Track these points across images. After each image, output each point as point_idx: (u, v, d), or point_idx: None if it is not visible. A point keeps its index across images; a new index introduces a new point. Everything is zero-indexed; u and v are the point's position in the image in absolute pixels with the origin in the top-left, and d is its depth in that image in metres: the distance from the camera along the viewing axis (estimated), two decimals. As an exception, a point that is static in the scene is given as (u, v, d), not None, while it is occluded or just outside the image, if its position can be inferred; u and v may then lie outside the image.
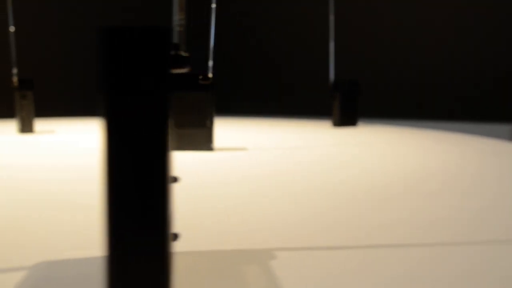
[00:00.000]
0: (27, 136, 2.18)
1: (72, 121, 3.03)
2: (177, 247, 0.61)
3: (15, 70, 2.19)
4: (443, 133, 2.32)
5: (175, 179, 0.65)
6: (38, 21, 3.33)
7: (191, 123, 1.63)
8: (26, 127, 2.25)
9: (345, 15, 3.18)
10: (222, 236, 0.72)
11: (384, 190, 1.04)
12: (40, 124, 2.72)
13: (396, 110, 3.36)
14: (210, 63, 1.63)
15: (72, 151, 1.81)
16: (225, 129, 2.53)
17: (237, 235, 0.73)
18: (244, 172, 1.30)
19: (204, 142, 1.63)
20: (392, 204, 0.94)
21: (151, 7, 3.27)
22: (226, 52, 3.86)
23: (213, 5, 1.61)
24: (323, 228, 0.77)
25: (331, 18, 2.64)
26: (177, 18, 0.60)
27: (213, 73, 1.62)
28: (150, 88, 0.46)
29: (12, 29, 2.14)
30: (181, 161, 1.44)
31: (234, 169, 1.35)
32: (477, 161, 1.53)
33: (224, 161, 1.47)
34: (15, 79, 2.18)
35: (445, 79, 3.15)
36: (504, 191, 1.07)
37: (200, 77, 1.60)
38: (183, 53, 0.57)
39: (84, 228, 0.76)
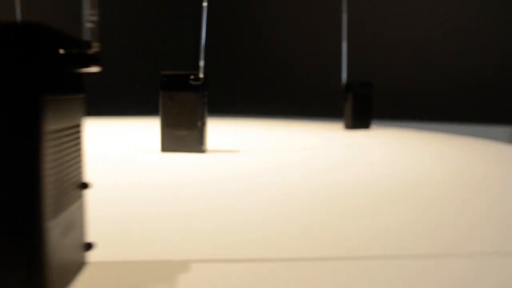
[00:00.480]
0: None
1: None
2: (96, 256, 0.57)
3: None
4: (456, 136, 2.21)
5: (85, 185, 0.62)
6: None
7: (182, 124, 1.60)
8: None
9: (357, 14, 3.09)
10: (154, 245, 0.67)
11: (384, 196, 0.97)
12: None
13: (410, 112, 3.26)
14: (201, 63, 1.59)
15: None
16: (228, 130, 2.51)
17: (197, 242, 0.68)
18: (221, 175, 1.25)
19: (195, 144, 1.60)
20: (390, 209, 0.87)
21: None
22: (236, 52, 3.85)
23: (204, 4, 1.57)
24: (310, 240, 0.71)
25: (344, 17, 2.56)
26: (88, 13, 0.56)
27: (205, 73, 1.58)
28: (8, 88, 0.42)
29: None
30: (163, 162, 1.42)
31: (213, 172, 1.30)
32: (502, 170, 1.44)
33: (205, 164, 1.42)
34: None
35: (462, 81, 3.01)
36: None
37: (191, 77, 1.57)
38: (92, 51, 0.52)
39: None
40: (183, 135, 1.60)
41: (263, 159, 1.52)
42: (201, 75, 1.57)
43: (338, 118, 2.80)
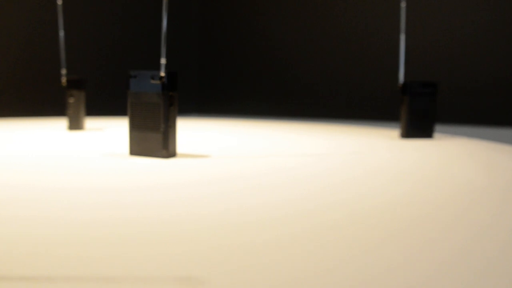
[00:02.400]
0: (73, 133, 2.29)
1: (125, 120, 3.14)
2: None
3: (64, 71, 2.33)
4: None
5: None
6: (89, 22, 3.54)
7: (147, 127, 1.48)
8: (74, 125, 2.38)
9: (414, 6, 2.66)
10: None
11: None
12: (93, 122, 2.87)
13: (482, 118, 2.71)
14: (163, 61, 1.45)
15: (101, 143, 1.82)
16: (232, 133, 2.30)
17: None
18: (166, 184, 1.09)
19: (157, 148, 1.47)
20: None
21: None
22: (242, 53, 3.63)
23: (164, -4, 1.42)
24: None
25: (403, 5, 2.18)
26: None
27: (171, 72, 1.44)
28: None
29: (61, 32, 2.27)
30: (118, 167, 1.32)
31: (156, 180, 1.15)
32: None
33: (158, 170, 1.27)
34: (63, 79, 2.31)
35: None
36: None
37: (155, 76, 1.44)
38: None
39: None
40: (147, 138, 1.49)
41: (233, 167, 1.31)
42: (162, 74, 1.43)
43: (397, 123, 2.43)
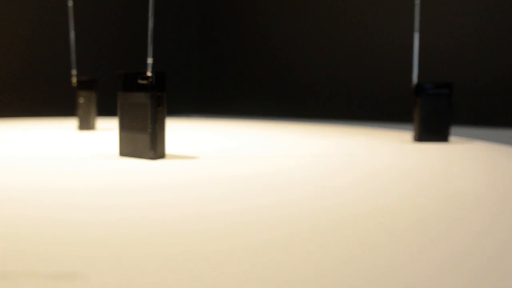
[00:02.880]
0: (82, 133, 2.30)
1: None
2: None
3: (74, 71, 2.35)
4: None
5: None
6: (97, 23, 3.54)
7: (135, 128, 1.45)
8: (84, 125, 2.39)
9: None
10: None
11: None
12: (106, 122, 2.88)
13: (500, 119, 2.55)
14: (149, 60, 1.42)
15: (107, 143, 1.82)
16: (231, 135, 2.25)
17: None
18: (148, 185, 1.05)
19: (145, 149, 1.44)
20: None
21: None
22: (244, 52, 3.53)
23: (149, -6, 1.39)
24: None
25: (417, 1, 2.07)
26: None
27: (158, 72, 1.40)
28: None
29: (72, 34, 2.29)
30: (106, 168, 1.29)
31: (137, 182, 1.12)
32: None
33: (142, 171, 1.24)
34: (74, 79, 2.33)
35: None
36: None
37: (141, 76, 1.41)
38: None
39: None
40: (136, 139, 1.46)
41: (220, 168, 1.27)
42: (149, 74, 1.40)
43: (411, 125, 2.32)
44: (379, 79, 3.25)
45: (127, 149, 1.48)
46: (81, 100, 2.35)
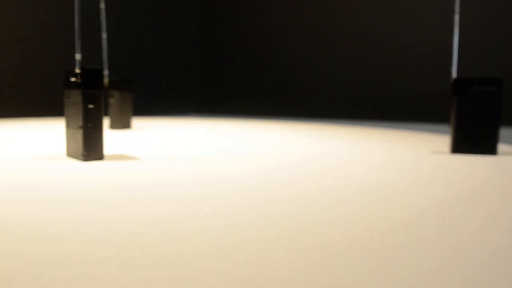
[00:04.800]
0: (112, 132, 2.33)
1: (170, 120, 3.07)
2: None
3: (106, 72, 2.38)
4: None
5: None
6: (132, 26, 3.51)
7: (73, 127, 1.37)
8: (115, 124, 2.42)
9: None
10: None
11: None
12: (140, 122, 2.89)
13: None
14: (77, 56, 1.31)
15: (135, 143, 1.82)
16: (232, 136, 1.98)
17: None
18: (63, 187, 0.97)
19: (78, 150, 1.34)
20: None
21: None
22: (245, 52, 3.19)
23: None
24: None
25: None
26: None
27: (87, 69, 1.29)
28: None
29: (104, 35, 2.33)
30: (38, 170, 1.23)
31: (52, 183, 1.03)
32: None
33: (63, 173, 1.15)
34: (105, 79, 2.36)
35: None
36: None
37: (72, 74, 1.32)
38: None
39: None
40: (75, 139, 1.38)
41: (158, 170, 1.13)
42: (77, 71, 1.30)
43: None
44: (379, 79, 2.97)
45: (69, 149, 1.41)
46: (112, 100, 2.38)
